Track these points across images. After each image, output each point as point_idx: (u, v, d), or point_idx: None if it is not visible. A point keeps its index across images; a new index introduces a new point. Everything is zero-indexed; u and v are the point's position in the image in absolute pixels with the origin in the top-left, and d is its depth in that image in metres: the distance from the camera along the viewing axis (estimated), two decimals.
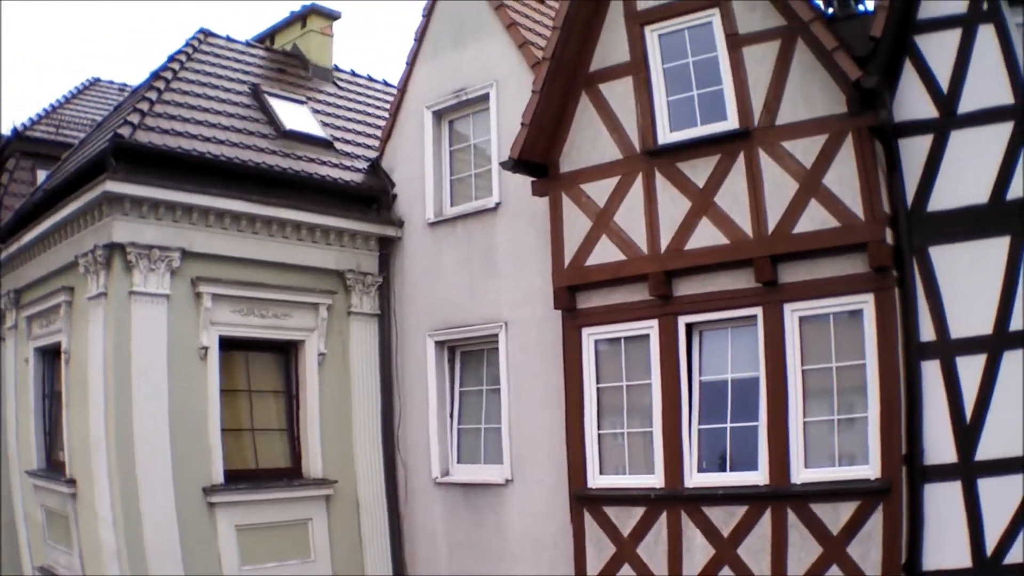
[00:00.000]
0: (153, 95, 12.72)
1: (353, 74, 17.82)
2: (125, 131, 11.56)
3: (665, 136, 10.69)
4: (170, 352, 11.66)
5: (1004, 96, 9.34)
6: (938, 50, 9.68)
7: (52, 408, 13.96)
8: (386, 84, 17.95)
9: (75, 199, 11.81)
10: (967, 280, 9.32)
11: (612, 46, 11.18)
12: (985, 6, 9.53)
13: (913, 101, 9.73)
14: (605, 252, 10.92)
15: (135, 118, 11.94)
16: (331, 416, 13.15)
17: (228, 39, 15.92)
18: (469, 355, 13.25)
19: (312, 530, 12.75)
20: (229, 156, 12.44)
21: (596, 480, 10.92)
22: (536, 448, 11.93)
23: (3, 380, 15.33)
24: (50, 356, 13.86)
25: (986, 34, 9.48)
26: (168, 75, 13.50)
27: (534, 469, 11.96)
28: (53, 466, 13.63)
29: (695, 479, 10.25)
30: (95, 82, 21.03)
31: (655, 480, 10.44)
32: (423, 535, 13.26)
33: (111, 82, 21.29)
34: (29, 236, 13.29)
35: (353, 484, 13.26)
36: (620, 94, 11.05)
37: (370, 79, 18.19)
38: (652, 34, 10.95)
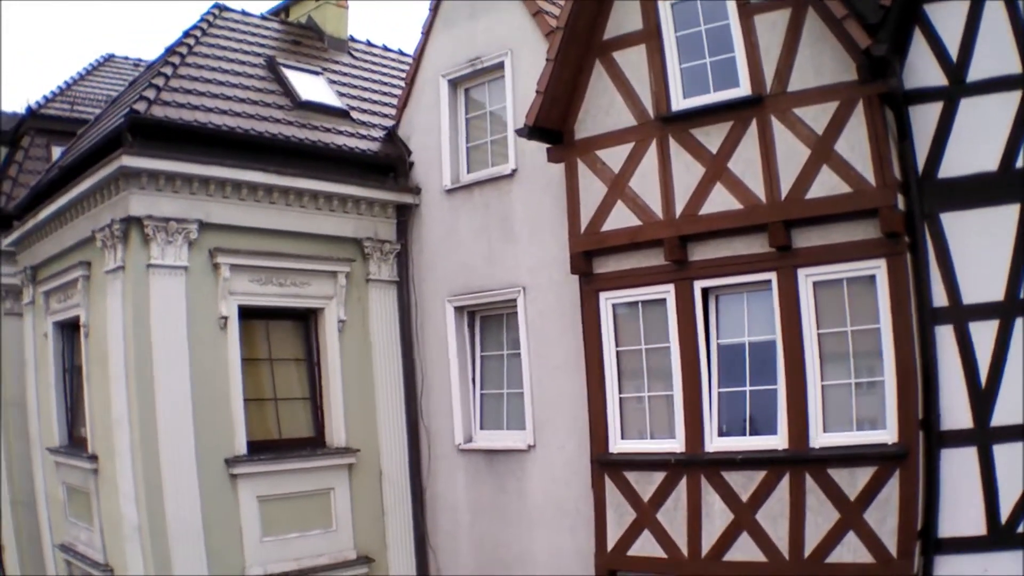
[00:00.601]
0: (168, 70, 13.09)
1: (369, 44, 18.15)
2: (141, 106, 11.92)
3: (679, 102, 10.96)
4: (190, 323, 12.02)
5: (1013, 65, 9.53)
6: (947, 19, 9.88)
7: (73, 383, 14.38)
8: (401, 53, 18.25)
9: (91, 174, 12.15)
10: (978, 246, 9.57)
11: (625, 15, 11.44)
12: None
13: (923, 69, 9.94)
14: (621, 217, 11.23)
15: (151, 93, 12.29)
16: (353, 384, 13.54)
17: (243, 13, 16.29)
18: (489, 319, 13.65)
19: (334, 499, 13.18)
20: (245, 128, 12.78)
21: (618, 445, 11.29)
22: (558, 413, 12.33)
23: (23, 356, 15.75)
24: (69, 330, 14.27)
25: (994, 3, 9.64)
26: (183, 50, 13.87)
27: (556, 434, 12.36)
28: (75, 442, 14.10)
29: (715, 443, 10.58)
30: (109, 58, 21.34)
31: (676, 444, 10.78)
32: (445, 502, 13.72)
33: (126, 58, 21.63)
34: (45, 212, 13.66)
35: (376, 452, 13.67)
36: (633, 62, 11.32)
37: (386, 49, 18.54)
38: (665, 3, 11.16)
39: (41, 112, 17.81)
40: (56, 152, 17.01)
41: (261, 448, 12.62)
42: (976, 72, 9.71)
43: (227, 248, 12.42)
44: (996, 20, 9.65)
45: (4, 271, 16.14)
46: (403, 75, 15.93)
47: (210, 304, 12.28)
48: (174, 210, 11.98)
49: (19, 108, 18.43)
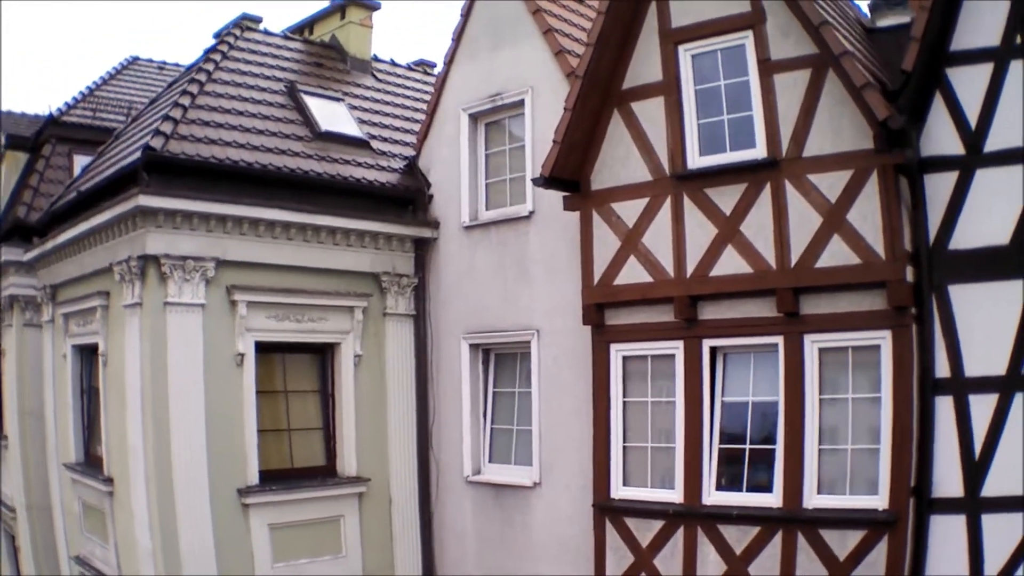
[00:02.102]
0: (186, 100, 13.64)
1: (393, 63, 18.67)
2: (157, 142, 12.48)
3: (694, 160, 11.54)
4: (206, 359, 12.70)
5: None
6: (969, 84, 10.29)
7: (90, 404, 15.16)
8: (425, 72, 18.77)
9: (108, 209, 12.78)
10: (984, 320, 10.04)
11: (645, 64, 12.00)
12: (1018, 40, 10.05)
13: (941, 136, 10.38)
14: (633, 272, 11.87)
15: (167, 127, 12.85)
16: (366, 415, 14.25)
17: (265, 32, 16.85)
18: (503, 357, 14.32)
19: (344, 527, 13.96)
20: (263, 163, 13.39)
21: (619, 491, 12.00)
22: (564, 454, 13.00)
23: (41, 367, 16.62)
24: (88, 353, 15.01)
25: (1017, 70, 10.06)
26: (202, 77, 14.42)
27: (561, 474, 13.06)
28: (91, 461, 14.88)
29: (713, 497, 11.25)
30: (134, 60, 21.99)
31: (675, 495, 11.46)
32: (453, 532, 14.50)
33: (150, 60, 22.29)
34: (64, 236, 14.37)
35: (386, 481, 14.40)
36: (651, 114, 11.90)
37: (410, 68, 19.07)
38: (685, 54, 11.74)
39: (63, 120, 18.37)
40: (78, 161, 17.69)
41: (274, 477, 13.35)
42: (994, 142, 10.12)
43: (244, 285, 13.05)
44: (1017, 88, 10.03)
45: (25, 282, 16.95)
46: (427, 96, 16.47)
47: (227, 341, 12.94)
48: (191, 248, 12.58)
49: (42, 111, 19.10)
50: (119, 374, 13.04)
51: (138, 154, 12.49)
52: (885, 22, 13.31)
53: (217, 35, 16.82)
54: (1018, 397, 9.82)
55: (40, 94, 52.02)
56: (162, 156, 12.41)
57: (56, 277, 15.55)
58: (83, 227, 13.68)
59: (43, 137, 18.21)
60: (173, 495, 12.34)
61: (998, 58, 10.18)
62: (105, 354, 13.68)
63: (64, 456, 15.56)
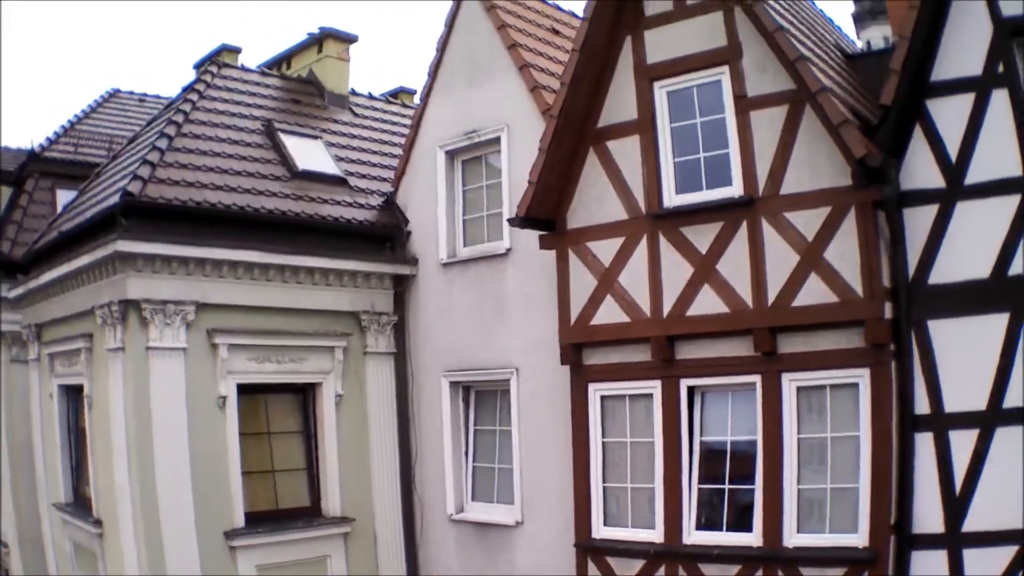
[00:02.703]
0: (163, 143, 13.33)
1: (370, 97, 18.26)
2: (135, 187, 12.20)
3: (670, 199, 11.24)
4: (189, 403, 12.42)
5: (1013, 167, 9.61)
6: (949, 115, 9.98)
7: (77, 444, 14.77)
8: (404, 105, 18.28)
9: (88, 252, 12.53)
10: (964, 355, 9.74)
11: (620, 102, 11.68)
12: (1001, 69, 9.74)
13: (921, 169, 10.06)
14: (610, 312, 11.55)
15: (145, 171, 12.56)
16: (349, 454, 13.92)
17: (243, 68, 16.51)
18: (483, 394, 13.95)
19: (331, 566, 13.68)
20: (240, 204, 13.07)
21: (600, 531, 11.67)
22: (546, 492, 12.66)
23: (28, 402, 16.26)
24: (74, 393, 14.65)
25: (1000, 100, 9.75)
26: (179, 118, 14.08)
27: (543, 513, 12.71)
28: (80, 500, 14.53)
29: (693, 536, 10.94)
30: (114, 93, 21.56)
31: (655, 535, 11.16)
32: (438, 570, 14.11)
33: (131, 92, 21.84)
34: (46, 276, 14.03)
35: (371, 520, 14.05)
36: (627, 152, 11.58)
37: (388, 100, 18.65)
38: (661, 91, 11.43)
39: (44, 155, 18.00)
40: (60, 196, 17.35)
41: (259, 519, 13.05)
42: (975, 174, 9.82)
43: (224, 328, 12.77)
44: (999, 118, 9.72)
45: (10, 318, 16.53)
46: (405, 130, 16.06)
47: (209, 384, 12.66)
48: (171, 292, 12.32)
49: (24, 143, 18.83)
50: (104, 416, 12.73)
51: (116, 198, 12.21)
52: (868, 35, 13.10)
53: (197, 66, 16.53)
54: (999, 432, 9.51)
55: (23, 126, 51.52)
56: (140, 201, 12.13)
57: (41, 316, 15.18)
58: (64, 269, 13.38)
59: (25, 172, 17.84)
60: (161, 538, 12.09)
61: (980, 88, 9.89)
62: (90, 396, 13.39)
63: (54, 495, 15.21)
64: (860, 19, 33.58)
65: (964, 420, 9.70)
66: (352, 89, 17.80)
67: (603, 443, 11.77)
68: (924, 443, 9.90)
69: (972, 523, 9.58)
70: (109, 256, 12.09)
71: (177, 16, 53.35)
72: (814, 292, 10.17)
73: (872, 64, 11.90)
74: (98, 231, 12.58)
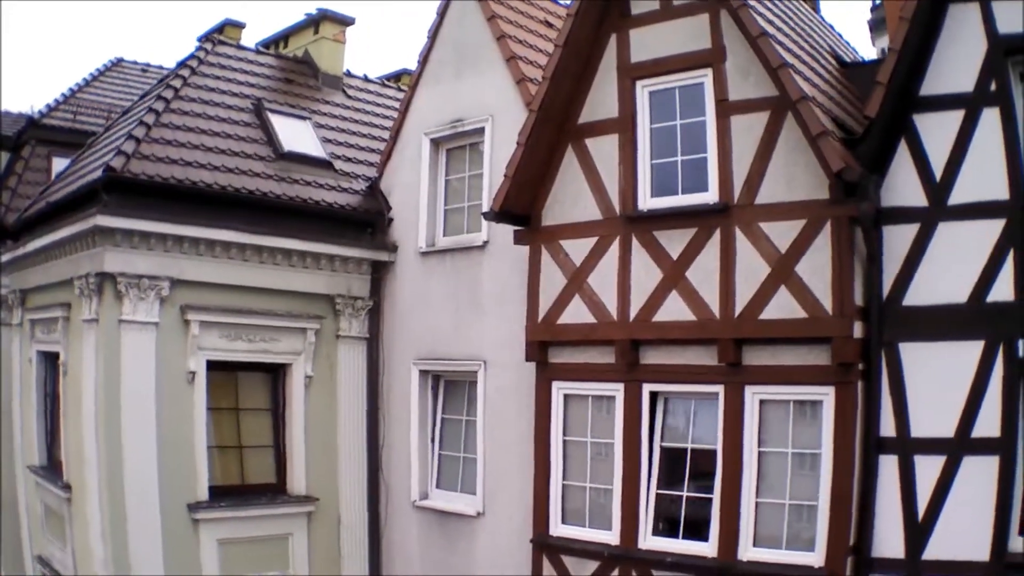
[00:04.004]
0: (151, 118, 12.55)
1: (365, 79, 17.25)
2: (118, 162, 11.49)
3: (645, 202, 10.39)
4: (158, 376, 11.77)
5: (1000, 190, 8.77)
6: (937, 132, 9.12)
7: (52, 409, 14.07)
8: (400, 89, 17.20)
9: (69, 225, 11.88)
10: (935, 380, 8.91)
11: (602, 99, 10.83)
12: (993, 86, 8.86)
13: (903, 186, 9.23)
14: (577, 312, 10.72)
15: (129, 147, 11.82)
16: (316, 435, 13.14)
17: (238, 46, 15.57)
18: (453, 384, 13.09)
19: (293, 544, 12.91)
20: (223, 184, 12.29)
21: (557, 529, 10.88)
22: (507, 485, 11.87)
23: (10, 366, 15.48)
24: (51, 360, 13.96)
25: (990, 119, 8.88)
26: (169, 94, 13.26)
27: (504, 505, 11.92)
28: (53, 465, 13.83)
29: (648, 541, 10.18)
30: (117, 62, 20.54)
31: (611, 537, 10.38)
32: (400, 555, 13.32)
33: (134, 62, 20.83)
34: (32, 245, 13.33)
35: (335, 502, 13.28)
36: (606, 152, 10.72)
37: (383, 83, 17.64)
38: (643, 90, 10.58)
39: (43, 122, 17.14)
40: (56, 163, 16.47)
41: (224, 493, 12.35)
42: (959, 194, 8.96)
43: (198, 305, 12.05)
44: (989, 138, 8.87)
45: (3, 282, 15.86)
46: (397, 114, 15.00)
47: (179, 359, 11.97)
48: (147, 267, 11.65)
49: (25, 107, 18.06)
50: (77, 385, 12.06)
51: (100, 172, 11.48)
52: (883, 43, 12.21)
53: (201, 39, 15.68)
54: (966, 461, 8.68)
55: (27, 90, 50.27)
56: (122, 176, 11.42)
57: (25, 282, 14.39)
58: (47, 239, 12.71)
59: (23, 138, 16.96)
60: (124, 507, 11.47)
61: (970, 105, 9.00)
62: (65, 364, 12.67)
63: (29, 458, 14.49)
64: (876, 27, 32.50)
65: (931, 446, 8.89)
66: (347, 71, 16.85)
67: (564, 441, 10.95)
68: (888, 466, 9.09)
69: (934, 551, 8.80)
70: (89, 229, 11.48)
71: None
72: (783, 306, 9.33)
73: (868, 73, 10.96)
74: (81, 204, 11.95)
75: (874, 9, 33.57)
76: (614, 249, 10.52)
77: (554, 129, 11.03)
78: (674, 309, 10.02)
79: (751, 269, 9.57)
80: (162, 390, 11.80)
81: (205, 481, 12.13)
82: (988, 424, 8.65)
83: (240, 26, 17.35)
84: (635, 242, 10.37)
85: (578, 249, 10.80)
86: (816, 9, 17.42)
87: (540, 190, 11.20)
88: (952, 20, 9.17)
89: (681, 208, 10.12)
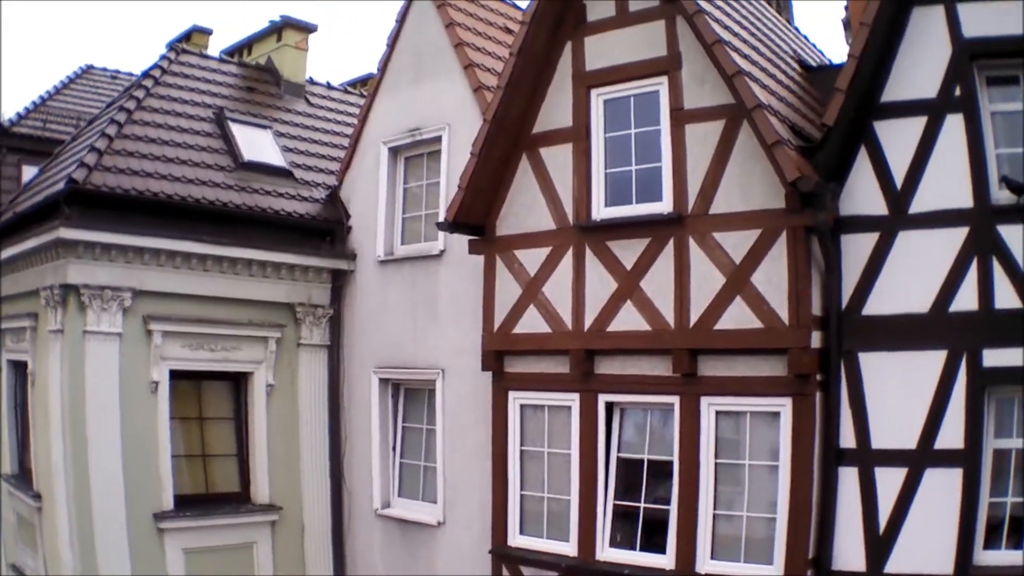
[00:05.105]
0: (112, 130, 11.82)
1: (328, 87, 16.33)
2: (80, 175, 10.84)
3: (599, 211, 9.61)
4: (122, 387, 11.17)
5: (963, 198, 8.08)
6: (898, 139, 8.41)
7: (23, 418, 13.22)
8: (361, 95, 16.26)
9: (33, 237, 11.29)
10: (896, 391, 8.22)
11: (557, 108, 10.03)
12: (958, 91, 8.15)
13: (863, 194, 8.52)
14: (532, 322, 9.95)
15: (91, 159, 11.14)
16: (279, 444, 12.39)
17: (201, 55, 14.63)
18: (413, 392, 12.26)
19: (257, 553, 12.18)
20: (183, 195, 11.54)
21: (516, 539, 10.12)
22: (467, 494, 11.09)
23: None
24: (21, 368, 13.14)
25: (953, 125, 8.19)
26: (131, 105, 12.48)
27: (464, 514, 11.14)
28: (24, 473, 13.03)
29: (606, 553, 9.44)
30: (87, 70, 19.66)
31: (569, 548, 9.64)
32: (363, 563, 12.51)
33: (104, 69, 19.93)
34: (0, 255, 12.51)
35: (299, 510, 12.52)
36: (560, 161, 9.93)
37: (345, 91, 16.67)
38: (598, 99, 9.79)
39: (13, 131, 16.30)
40: (27, 171, 15.70)
41: (189, 502, 11.63)
42: (921, 203, 8.27)
43: (160, 315, 11.36)
44: (952, 145, 8.18)
45: None
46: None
47: (142, 369, 11.30)
48: (109, 278, 11.01)
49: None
50: (44, 395, 11.43)
51: (62, 184, 10.83)
52: None
53: (169, 45, 14.84)
54: (928, 473, 8.00)
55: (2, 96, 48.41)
56: (84, 189, 10.80)
57: None
58: (13, 251, 12.04)
59: None
60: (91, 516, 10.88)
61: (933, 112, 8.30)
62: (33, 374, 11.99)
63: (2, 466, 13.62)
64: (848, 25, 31.64)
65: (892, 458, 8.22)
66: (310, 78, 15.91)
67: (521, 451, 10.17)
68: (848, 478, 8.40)
69: (895, 564, 8.14)
70: (52, 241, 10.91)
71: None
72: (738, 316, 8.59)
73: (832, 78, 10.26)
74: (45, 216, 11.30)
75: (848, 7, 32.88)
76: (568, 259, 9.75)
77: (508, 139, 10.22)
78: (628, 319, 9.26)
79: (706, 279, 8.83)
80: (126, 400, 11.17)
81: (170, 490, 11.45)
82: (951, 435, 7.97)
83: (207, 32, 16.55)
84: (589, 252, 9.61)
85: (532, 259, 10.02)
86: (789, 14, 16.70)
87: (494, 200, 10.40)
88: (916, 24, 8.47)
89: (635, 218, 9.34)
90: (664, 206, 9.19)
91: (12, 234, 12.53)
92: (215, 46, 15.74)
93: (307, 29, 15.76)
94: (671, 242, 9.09)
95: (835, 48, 33.57)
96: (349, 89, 16.87)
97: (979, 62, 8.22)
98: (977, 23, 8.21)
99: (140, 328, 11.32)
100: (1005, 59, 8.19)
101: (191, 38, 16.07)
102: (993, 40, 8.14)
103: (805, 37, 14.94)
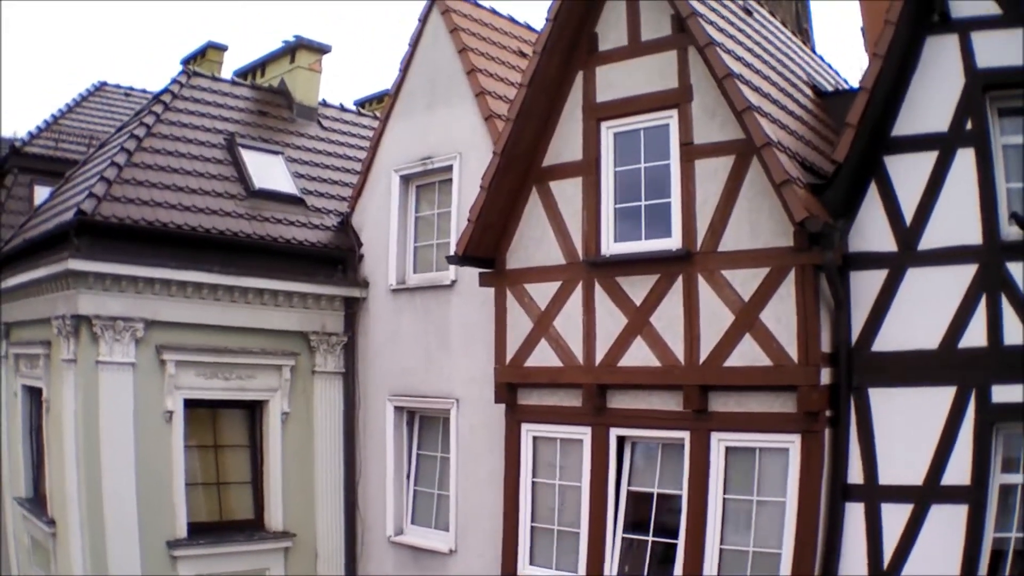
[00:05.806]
0: (122, 159, 12.03)
1: (341, 108, 16.54)
2: (88, 205, 11.03)
3: (608, 247, 9.83)
4: (136, 416, 11.39)
5: (972, 235, 8.21)
6: (908, 174, 8.53)
7: (38, 442, 13.58)
8: (375, 117, 16.46)
9: (43, 266, 11.47)
10: (904, 427, 8.37)
11: (566, 141, 10.24)
12: (969, 125, 8.26)
13: (872, 231, 8.67)
14: (544, 356, 10.17)
15: (100, 189, 11.34)
16: (293, 471, 12.64)
17: (213, 78, 14.87)
18: (427, 420, 12.50)
19: None
20: (193, 225, 11.75)
21: (525, 569, 10.35)
22: (479, 522, 11.33)
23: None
24: (36, 393, 13.47)
25: (964, 160, 8.30)
26: (141, 131, 12.71)
27: (476, 542, 11.38)
28: (38, 498, 13.37)
29: None
30: (101, 86, 19.92)
31: None
32: None
33: (117, 86, 20.19)
34: (11, 281, 12.85)
35: (312, 537, 12.79)
36: (569, 195, 10.16)
37: (358, 112, 16.88)
38: (608, 132, 10.00)
39: (24, 151, 16.53)
40: (39, 191, 15.99)
41: (202, 529, 11.89)
42: (930, 239, 8.40)
43: (173, 345, 11.59)
44: (962, 180, 8.29)
45: None
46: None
47: (156, 398, 11.54)
48: (121, 309, 11.23)
49: (8, 133, 17.49)
50: (58, 422, 11.68)
51: (71, 214, 11.06)
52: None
53: (184, 61, 15.16)
54: (934, 509, 8.14)
55: (9, 114, 48.79)
56: (93, 220, 11.01)
57: (10, 316, 13.85)
58: (24, 277, 12.31)
59: (5, 166, 16.35)
60: (104, 543, 11.13)
61: (944, 145, 8.41)
62: (48, 401, 12.26)
63: (15, 489, 14.02)
64: (866, 33, 31.53)
65: (899, 494, 8.36)
66: (323, 100, 16.14)
67: (533, 483, 10.40)
68: (855, 513, 8.55)
69: None
70: (62, 272, 11.06)
71: (174, 8, 50.88)
72: (747, 354, 8.79)
73: (846, 103, 10.42)
74: (55, 244, 11.55)
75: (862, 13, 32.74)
76: (577, 294, 9.98)
77: (518, 172, 10.48)
78: (639, 355, 9.48)
79: (715, 316, 9.02)
80: (140, 429, 11.40)
81: (184, 518, 11.69)
82: (958, 472, 8.11)
83: (222, 48, 16.84)
84: (598, 287, 9.83)
85: (542, 293, 10.26)
86: (809, 38, 16.80)
87: (504, 233, 10.64)
88: (929, 54, 8.59)
89: (644, 254, 9.57)
90: (673, 242, 9.40)
91: (23, 259, 12.83)
92: (229, 61, 16.04)
93: (321, 50, 15.96)
94: (680, 279, 9.31)
95: (853, 53, 33.37)
96: (363, 111, 17.07)
97: (992, 93, 8.34)
98: (992, 53, 8.31)
99: (153, 358, 11.56)
100: (1019, 89, 8.26)
101: (206, 54, 16.35)
102: (1008, 71, 8.23)
103: (821, 58, 15.08)
